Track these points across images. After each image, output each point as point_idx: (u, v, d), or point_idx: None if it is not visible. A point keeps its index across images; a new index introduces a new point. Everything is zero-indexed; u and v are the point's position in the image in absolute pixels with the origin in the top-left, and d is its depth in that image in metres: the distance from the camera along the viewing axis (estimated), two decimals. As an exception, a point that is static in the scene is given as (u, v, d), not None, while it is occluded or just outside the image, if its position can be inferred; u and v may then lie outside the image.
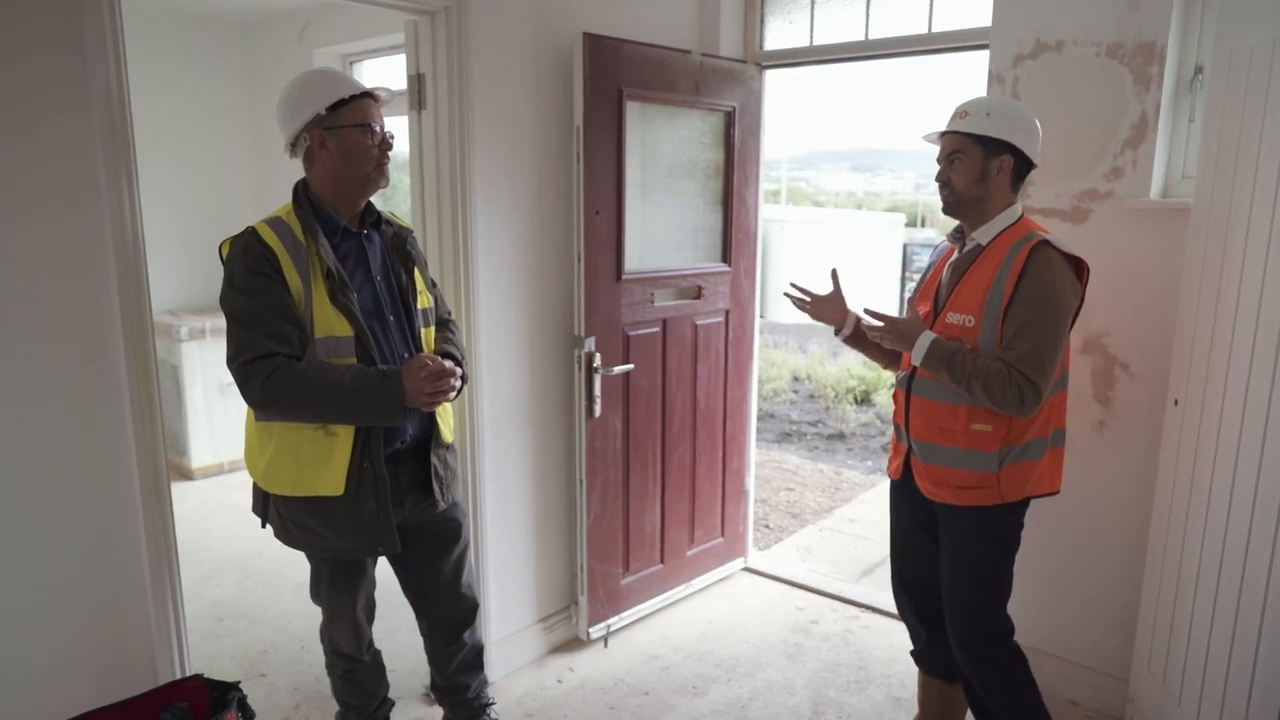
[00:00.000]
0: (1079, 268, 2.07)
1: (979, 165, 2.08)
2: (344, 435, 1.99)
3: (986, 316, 2.05)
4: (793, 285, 2.40)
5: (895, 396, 2.35)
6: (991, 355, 2.04)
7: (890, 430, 2.41)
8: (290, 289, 1.91)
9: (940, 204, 2.16)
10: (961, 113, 2.11)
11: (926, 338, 2.09)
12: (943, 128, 2.15)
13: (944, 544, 2.25)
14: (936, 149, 2.15)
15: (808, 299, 2.39)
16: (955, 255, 2.22)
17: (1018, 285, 2.00)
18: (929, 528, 2.32)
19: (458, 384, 2.04)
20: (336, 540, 2.05)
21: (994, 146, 2.07)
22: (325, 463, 1.99)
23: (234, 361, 1.90)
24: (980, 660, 2.22)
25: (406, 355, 2.08)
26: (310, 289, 1.94)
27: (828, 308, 2.38)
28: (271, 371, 1.86)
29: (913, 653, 2.53)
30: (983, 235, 2.13)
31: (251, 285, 1.90)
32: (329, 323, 1.96)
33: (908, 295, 2.39)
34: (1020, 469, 2.11)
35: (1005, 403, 1.99)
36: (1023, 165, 2.11)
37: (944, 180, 2.14)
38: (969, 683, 2.27)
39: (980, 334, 2.06)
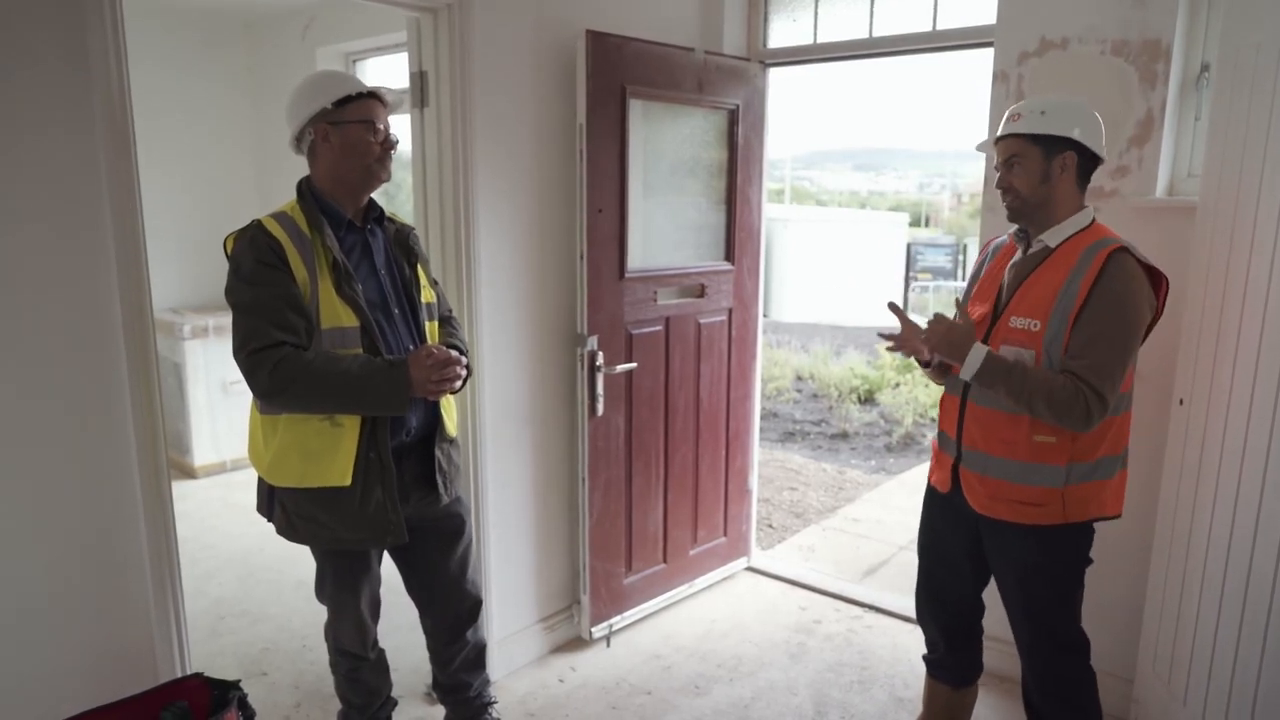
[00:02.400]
0: (1156, 279, 1.97)
1: (1040, 166, 1.99)
2: (350, 426, 1.99)
3: (1053, 322, 1.95)
4: (881, 335, 2.24)
5: (944, 403, 2.23)
6: (1057, 363, 1.94)
7: (933, 437, 2.30)
8: (296, 280, 1.93)
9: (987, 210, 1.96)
10: (1014, 115, 2.02)
11: (979, 352, 1.95)
12: (997, 134, 2.06)
13: (1003, 564, 2.14)
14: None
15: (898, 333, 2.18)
16: (1019, 256, 2.11)
17: (1091, 292, 1.90)
18: (972, 547, 2.22)
19: (463, 373, 2.06)
20: (344, 532, 2.05)
21: (1054, 145, 1.97)
22: (332, 454, 1.99)
23: (240, 351, 1.91)
24: (1060, 680, 2.13)
25: (411, 347, 2.09)
26: (316, 280, 1.96)
27: (911, 339, 2.14)
28: (279, 360, 1.87)
29: (925, 658, 2.49)
30: (1051, 238, 2.03)
31: (258, 276, 1.91)
32: (335, 313, 1.97)
33: (953, 297, 2.26)
34: (1089, 488, 2.01)
35: (1071, 419, 1.90)
36: (1087, 161, 2.01)
37: (1005, 186, 2.04)
38: (1038, 706, 2.18)
39: (1045, 340, 1.96)
